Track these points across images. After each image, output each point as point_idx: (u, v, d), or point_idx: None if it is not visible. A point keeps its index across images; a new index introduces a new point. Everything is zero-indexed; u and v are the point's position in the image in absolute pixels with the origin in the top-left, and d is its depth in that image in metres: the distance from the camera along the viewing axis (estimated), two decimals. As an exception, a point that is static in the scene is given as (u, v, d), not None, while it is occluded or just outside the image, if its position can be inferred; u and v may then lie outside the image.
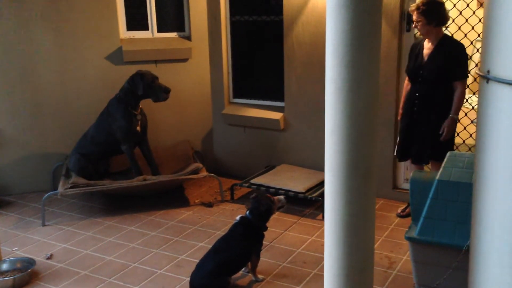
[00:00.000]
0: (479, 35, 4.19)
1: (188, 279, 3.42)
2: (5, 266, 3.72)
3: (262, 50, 5.62)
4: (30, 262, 3.73)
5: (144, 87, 4.73)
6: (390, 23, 4.48)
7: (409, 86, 4.17)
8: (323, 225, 2.49)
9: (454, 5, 4.49)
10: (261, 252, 3.57)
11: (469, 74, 4.02)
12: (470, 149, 4.64)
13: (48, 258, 3.93)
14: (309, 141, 5.15)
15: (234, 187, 5.11)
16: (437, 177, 2.91)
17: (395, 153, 4.39)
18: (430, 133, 4.02)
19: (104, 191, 4.78)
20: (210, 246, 3.59)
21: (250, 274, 3.58)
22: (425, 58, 3.97)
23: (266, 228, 3.56)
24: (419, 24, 3.88)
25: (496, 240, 1.85)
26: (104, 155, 4.98)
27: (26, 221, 4.64)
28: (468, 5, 4.44)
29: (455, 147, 4.31)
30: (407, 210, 4.46)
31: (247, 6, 5.45)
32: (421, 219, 2.94)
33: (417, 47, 4.07)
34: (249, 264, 3.53)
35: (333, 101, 2.12)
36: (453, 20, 4.33)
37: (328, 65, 2.12)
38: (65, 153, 5.23)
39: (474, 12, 4.39)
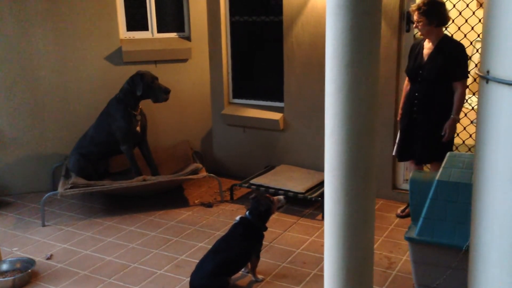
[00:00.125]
0: (478, 36, 4.19)
1: (188, 279, 3.42)
2: (5, 267, 3.72)
3: (261, 51, 5.62)
4: (30, 263, 3.73)
5: (144, 87, 4.73)
6: (390, 24, 4.48)
7: (408, 86, 4.17)
8: (323, 225, 2.49)
9: (454, 6, 4.50)
10: (261, 252, 3.58)
11: (469, 75, 4.02)
12: (469, 149, 4.64)
13: (48, 259, 3.93)
14: (309, 142, 5.15)
15: (234, 187, 5.11)
16: (437, 177, 2.91)
17: (394, 153, 4.39)
18: (429, 133, 4.02)
19: (104, 191, 4.78)
20: (209, 247, 3.59)
21: (250, 274, 3.58)
22: (425, 58, 3.97)
23: (265, 228, 3.56)
24: (420, 24, 3.88)
25: (496, 240, 1.85)
26: (104, 155, 4.98)
27: (26, 221, 4.64)
28: (467, 5, 4.44)
29: (454, 148, 4.32)
30: (406, 210, 4.46)
31: (247, 7, 5.45)
32: (421, 220, 2.94)
33: (417, 47, 4.07)
34: (249, 264, 3.53)
35: (333, 101, 2.13)
36: (453, 21, 4.33)
37: (328, 66, 2.12)
38: (64, 154, 5.23)
39: (473, 13, 4.39)
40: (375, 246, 3.93)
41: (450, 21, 4.12)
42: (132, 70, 4.95)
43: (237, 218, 3.55)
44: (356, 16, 2.01)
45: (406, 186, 4.51)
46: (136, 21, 5.48)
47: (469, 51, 4.11)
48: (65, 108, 5.27)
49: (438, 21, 3.85)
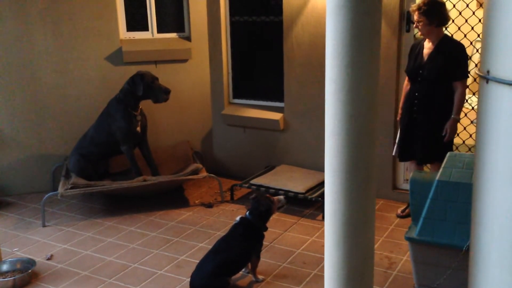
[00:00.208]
0: (478, 36, 4.19)
1: (188, 279, 3.42)
2: (5, 267, 3.72)
3: (261, 51, 5.62)
4: (30, 263, 3.73)
5: (144, 88, 4.73)
6: (390, 24, 4.48)
7: (408, 86, 4.17)
8: (323, 225, 2.49)
9: (454, 6, 4.50)
10: (261, 252, 3.57)
11: (469, 75, 4.02)
12: (470, 149, 4.64)
13: (48, 259, 3.93)
14: (309, 142, 5.15)
15: (234, 187, 5.11)
16: (437, 177, 2.91)
17: (394, 153, 4.40)
18: (429, 133, 4.02)
19: (104, 191, 4.78)
20: (210, 247, 3.59)
21: (250, 275, 3.58)
22: (425, 58, 3.97)
23: (266, 229, 3.56)
24: (420, 24, 3.88)
25: (496, 240, 1.85)
26: (104, 155, 4.98)
27: (26, 221, 4.64)
28: (467, 5, 4.44)
29: (455, 148, 4.32)
30: (407, 210, 4.46)
31: (246, 7, 5.45)
32: (421, 220, 2.94)
33: (417, 47, 4.08)
34: (249, 264, 3.53)
35: (333, 101, 2.13)
36: (453, 21, 4.33)
37: (328, 66, 2.12)
38: (65, 154, 5.23)
39: (473, 13, 4.39)
40: (376, 246, 3.93)
41: (450, 21, 4.12)
42: (132, 70, 4.96)
43: (238, 218, 3.55)
44: (356, 16, 2.01)
45: (406, 186, 4.51)
46: (136, 21, 5.48)
47: (469, 51, 4.11)
48: (65, 108, 5.27)
49: (438, 21, 3.86)
